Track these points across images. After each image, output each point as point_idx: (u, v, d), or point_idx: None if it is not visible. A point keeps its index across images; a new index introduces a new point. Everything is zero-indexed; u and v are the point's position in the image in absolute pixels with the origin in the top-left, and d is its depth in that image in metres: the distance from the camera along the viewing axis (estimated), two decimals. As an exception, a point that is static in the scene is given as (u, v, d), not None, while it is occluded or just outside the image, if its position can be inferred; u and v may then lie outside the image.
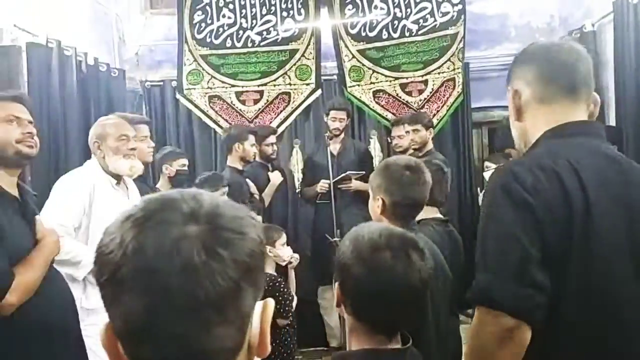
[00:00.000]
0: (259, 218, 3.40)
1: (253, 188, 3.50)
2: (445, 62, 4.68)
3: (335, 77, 4.87)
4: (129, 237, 0.56)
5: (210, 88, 4.82)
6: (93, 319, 2.21)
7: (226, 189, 3.12)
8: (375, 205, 1.88)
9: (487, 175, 3.98)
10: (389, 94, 4.77)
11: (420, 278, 1.23)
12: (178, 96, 4.82)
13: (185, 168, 3.43)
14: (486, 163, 4.02)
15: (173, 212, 0.58)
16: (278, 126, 4.64)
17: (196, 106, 4.82)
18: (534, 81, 1.28)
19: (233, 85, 4.82)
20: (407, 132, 3.76)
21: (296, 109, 4.83)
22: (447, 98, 4.68)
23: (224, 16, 4.82)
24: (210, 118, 4.82)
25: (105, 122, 2.57)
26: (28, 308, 1.73)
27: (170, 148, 3.86)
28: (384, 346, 1.23)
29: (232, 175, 3.34)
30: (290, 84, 4.83)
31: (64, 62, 3.72)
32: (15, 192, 1.87)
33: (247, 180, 3.43)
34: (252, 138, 3.64)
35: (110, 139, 2.49)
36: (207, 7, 4.83)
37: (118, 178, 2.55)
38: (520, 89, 1.31)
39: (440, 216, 2.37)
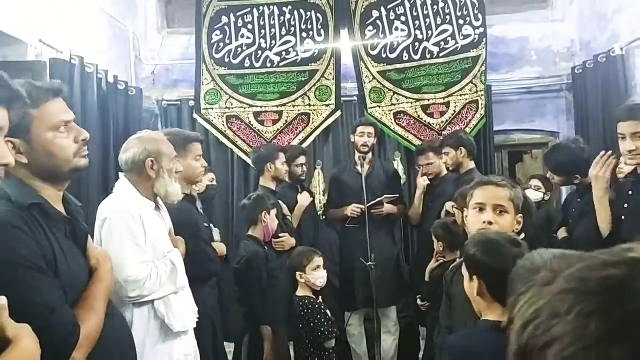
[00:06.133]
0: (293, 240, 3.29)
1: (285, 209, 3.39)
2: (467, 84, 4.63)
3: (355, 98, 4.81)
4: None
5: (229, 108, 4.75)
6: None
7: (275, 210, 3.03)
8: (511, 223, 1.73)
9: (531, 193, 3.84)
10: (410, 116, 4.71)
11: None
12: (195, 116, 4.74)
13: (214, 183, 3.31)
14: (532, 182, 3.98)
15: None
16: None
17: (214, 126, 4.74)
18: None
19: (252, 106, 4.75)
20: (440, 156, 3.72)
21: (315, 129, 4.75)
22: (470, 120, 4.62)
23: (242, 36, 4.78)
24: (228, 138, 4.74)
25: (160, 139, 2.23)
26: None
27: None
28: None
29: (267, 196, 3.24)
30: (309, 105, 4.76)
31: (85, 78, 3.65)
32: (61, 207, 1.49)
33: (279, 201, 3.33)
34: (282, 156, 3.55)
35: (166, 160, 2.17)
36: (226, 27, 4.78)
37: (156, 201, 2.23)
38: None
39: None
